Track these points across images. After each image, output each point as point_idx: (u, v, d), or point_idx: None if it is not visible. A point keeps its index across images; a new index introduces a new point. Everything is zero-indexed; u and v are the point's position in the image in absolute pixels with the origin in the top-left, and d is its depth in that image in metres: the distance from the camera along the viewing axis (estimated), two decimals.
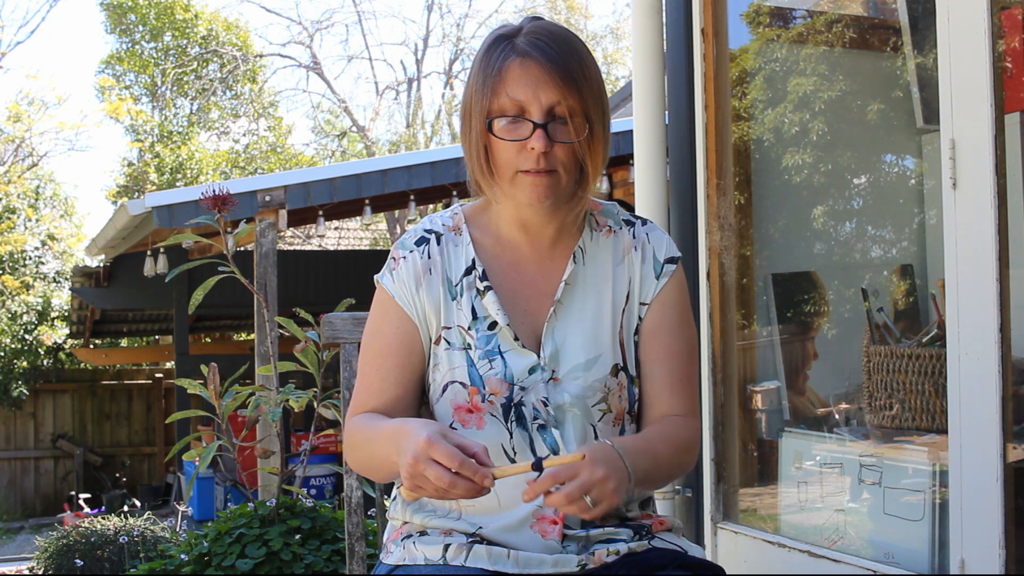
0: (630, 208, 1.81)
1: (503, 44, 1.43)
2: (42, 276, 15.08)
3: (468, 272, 1.51)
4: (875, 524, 2.48)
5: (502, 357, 1.47)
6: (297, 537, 2.82)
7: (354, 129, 20.05)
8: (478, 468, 1.24)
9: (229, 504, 8.00)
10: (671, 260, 1.56)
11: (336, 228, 16.36)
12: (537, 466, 1.27)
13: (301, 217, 8.70)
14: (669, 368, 1.52)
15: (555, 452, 1.45)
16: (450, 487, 1.24)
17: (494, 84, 1.41)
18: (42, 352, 13.85)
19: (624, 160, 6.31)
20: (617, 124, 6.38)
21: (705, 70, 2.87)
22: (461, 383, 1.47)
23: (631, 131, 3.10)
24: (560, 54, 1.41)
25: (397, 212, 14.90)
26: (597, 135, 1.43)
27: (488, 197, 1.51)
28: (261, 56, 19.05)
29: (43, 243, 15.72)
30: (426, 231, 1.54)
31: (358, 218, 9.70)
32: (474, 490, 1.25)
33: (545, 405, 1.46)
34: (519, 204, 1.47)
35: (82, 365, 13.82)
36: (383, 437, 1.40)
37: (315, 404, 2.85)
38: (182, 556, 2.93)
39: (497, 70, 1.41)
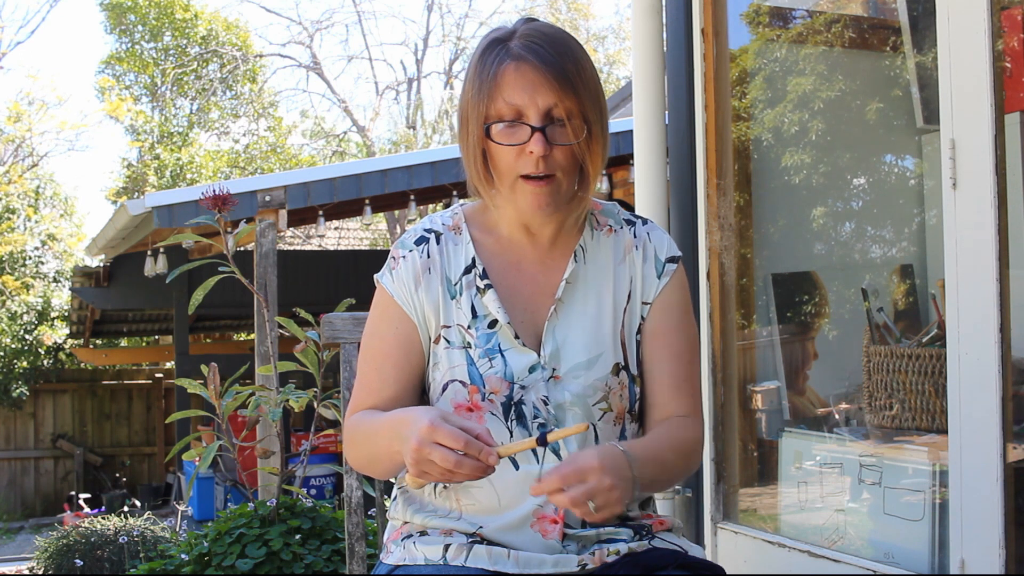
0: (630, 208, 1.81)
1: (497, 48, 1.42)
2: (42, 276, 15.07)
3: (468, 271, 1.51)
4: (875, 524, 2.48)
5: (502, 355, 1.47)
6: (297, 537, 2.82)
7: (353, 129, 20.05)
8: (483, 447, 1.26)
9: (229, 504, 8.00)
10: (672, 259, 1.56)
11: (336, 228, 16.36)
12: (542, 440, 1.31)
13: (301, 217, 8.70)
14: (672, 369, 1.52)
15: (556, 452, 1.45)
16: (456, 467, 1.26)
17: (490, 89, 1.41)
18: (42, 352, 13.85)
19: (624, 160, 6.31)
20: (617, 124, 6.38)
21: (705, 70, 2.87)
22: (461, 382, 1.47)
23: (631, 131, 3.10)
24: (555, 56, 1.40)
25: (397, 212, 14.89)
26: (596, 135, 1.43)
27: (487, 202, 1.51)
28: (261, 56, 19.04)
29: (43, 243, 15.72)
30: (426, 230, 1.54)
31: (358, 218, 9.70)
32: (480, 469, 1.27)
33: (545, 404, 1.46)
34: (520, 209, 1.47)
35: (82, 365, 13.81)
36: (383, 429, 1.41)
37: (315, 404, 2.85)
38: (182, 556, 2.93)
39: (492, 75, 1.41)
